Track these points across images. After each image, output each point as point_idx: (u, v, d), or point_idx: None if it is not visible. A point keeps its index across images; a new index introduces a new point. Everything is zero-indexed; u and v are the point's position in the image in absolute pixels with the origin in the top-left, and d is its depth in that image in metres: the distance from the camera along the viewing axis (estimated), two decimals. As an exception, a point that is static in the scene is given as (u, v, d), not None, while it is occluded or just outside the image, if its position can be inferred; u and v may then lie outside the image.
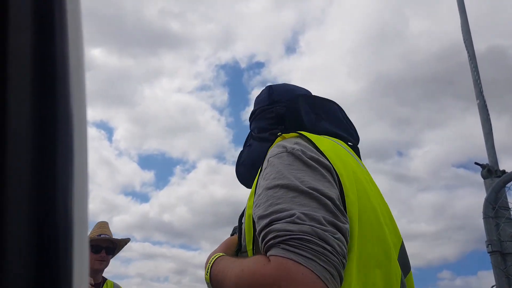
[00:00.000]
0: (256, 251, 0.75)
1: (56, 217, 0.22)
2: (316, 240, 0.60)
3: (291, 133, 0.84)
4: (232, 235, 0.94)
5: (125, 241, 2.52)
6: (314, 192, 0.67)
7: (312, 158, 0.74)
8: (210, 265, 0.79)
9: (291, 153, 0.75)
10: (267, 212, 0.67)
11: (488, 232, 2.23)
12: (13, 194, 0.21)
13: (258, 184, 0.77)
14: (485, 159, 2.52)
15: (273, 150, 0.80)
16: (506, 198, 2.27)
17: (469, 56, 2.84)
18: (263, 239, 0.65)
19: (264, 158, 0.82)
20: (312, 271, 0.58)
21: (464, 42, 2.90)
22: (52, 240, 0.22)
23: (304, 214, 0.64)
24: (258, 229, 0.68)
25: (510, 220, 2.22)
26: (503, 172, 2.37)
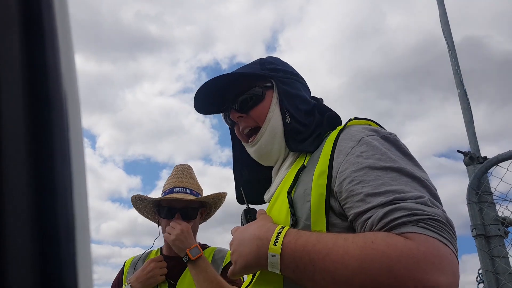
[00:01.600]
0: (330, 230, 0.73)
1: (57, 218, 0.22)
2: (448, 225, 0.63)
3: (363, 120, 0.86)
4: (247, 216, 0.89)
5: (218, 197, 1.66)
6: (425, 180, 0.70)
7: (406, 147, 0.77)
8: (282, 236, 0.70)
9: (387, 138, 0.77)
10: (381, 190, 0.66)
11: (472, 217, 2.29)
12: (12, 198, 0.21)
13: (342, 161, 0.75)
14: (465, 147, 2.59)
15: (358, 130, 0.80)
16: (489, 183, 2.34)
17: (448, 46, 2.90)
18: (384, 216, 0.64)
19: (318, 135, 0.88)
20: (454, 253, 0.61)
21: (443, 33, 2.95)
22: (53, 242, 0.22)
23: (429, 199, 0.65)
24: (366, 206, 0.67)
25: (493, 204, 2.29)
26: (485, 158, 2.44)
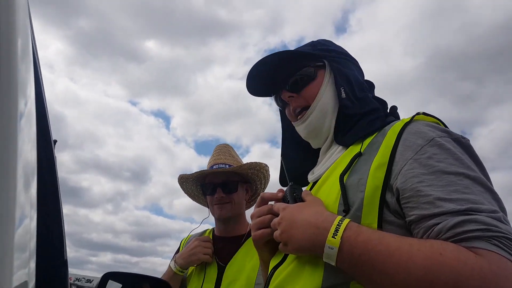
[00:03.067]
0: (383, 226, 0.71)
1: None
2: None
3: (432, 117, 0.82)
4: (293, 194, 0.85)
5: (255, 167, 1.60)
6: (497, 193, 0.68)
7: (477, 155, 0.74)
8: (342, 229, 0.68)
9: (460, 142, 0.74)
10: (453, 197, 0.64)
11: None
12: None
13: (410, 158, 0.72)
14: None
15: (429, 128, 0.76)
16: None
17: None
18: (456, 225, 0.62)
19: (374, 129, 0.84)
20: None
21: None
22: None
23: (503, 215, 0.63)
24: (435, 210, 0.64)
25: None
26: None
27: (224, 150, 1.71)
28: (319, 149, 0.99)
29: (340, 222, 0.69)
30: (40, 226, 0.45)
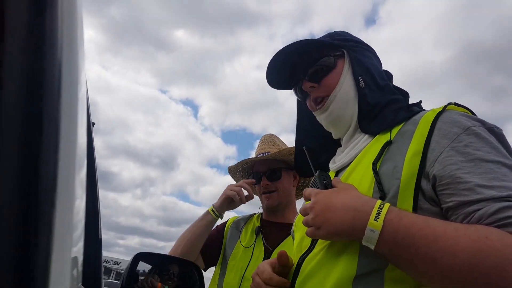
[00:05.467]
0: (417, 213, 0.70)
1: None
2: None
3: (463, 107, 0.82)
4: (323, 181, 0.84)
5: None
6: None
7: (509, 145, 0.75)
8: (384, 212, 0.67)
9: (494, 131, 0.75)
10: (493, 184, 0.65)
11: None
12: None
13: (447, 146, 0.72)
14: None
15: (463, 117, 0.77)
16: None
17: None
18: (498, 211, 0.62)
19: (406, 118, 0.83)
20: None
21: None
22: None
23: None
24: (476, 197, 0.65)
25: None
26: None
27: (268, 139, 1.73)
28: (334, 140, 1.00)
29: (381, 206, 0.68)
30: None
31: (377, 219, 0.67)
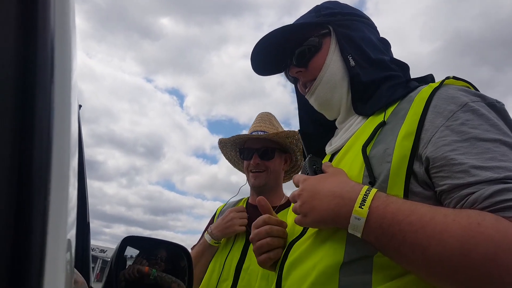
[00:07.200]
0: (409, 198, 0.66)
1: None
2: None
3: (462, 81, 0.76)
4: (313, 166, 0.81)
5: (292, 135, 1.55)
6: None
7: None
8: (370, 198, 0.64)
9: (494, 106, 0.69)
10: (489, 165, 0.60)
11: None
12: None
13: (441, 125, 0.67)
14: None
15: (461, 92, 0.71)
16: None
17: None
18: (493, 194, 0.58)
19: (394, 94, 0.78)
20: None
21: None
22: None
23: None
24: (470, 179, 0.60)
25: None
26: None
27: (265, 118, 1.69)
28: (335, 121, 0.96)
29: (368, 192, 0.65)
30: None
31: (363, 206, 0.63)
